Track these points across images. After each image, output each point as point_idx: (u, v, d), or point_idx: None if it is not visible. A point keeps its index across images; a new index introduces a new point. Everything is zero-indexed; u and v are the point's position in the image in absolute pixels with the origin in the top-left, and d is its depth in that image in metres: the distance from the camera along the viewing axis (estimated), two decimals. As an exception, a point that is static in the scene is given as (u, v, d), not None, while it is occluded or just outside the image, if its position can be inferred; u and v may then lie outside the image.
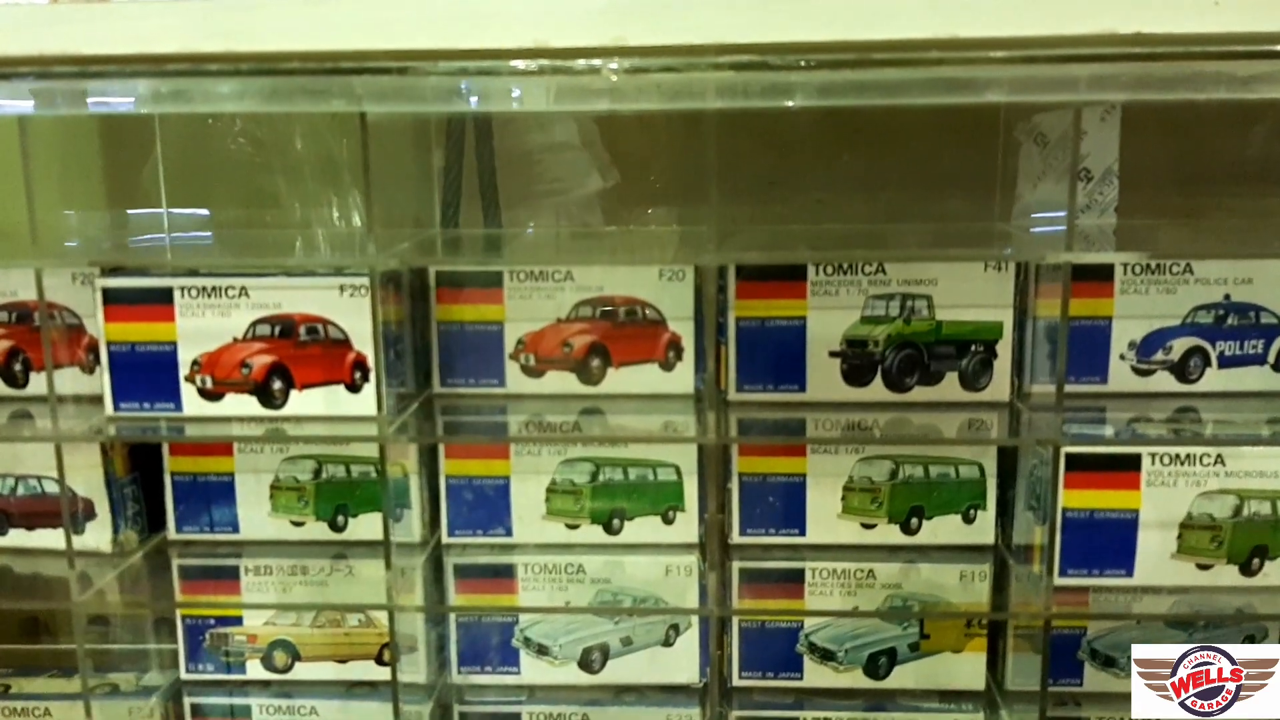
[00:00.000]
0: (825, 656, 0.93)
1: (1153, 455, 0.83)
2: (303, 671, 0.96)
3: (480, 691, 0.96)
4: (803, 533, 0.92)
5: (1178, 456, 0.83)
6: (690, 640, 0.94)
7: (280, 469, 0.93)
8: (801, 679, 0.93)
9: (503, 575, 0.93)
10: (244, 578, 0.94)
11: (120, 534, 0.94)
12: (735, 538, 0.92)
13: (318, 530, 0.94)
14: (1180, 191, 0.96)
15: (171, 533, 0.95)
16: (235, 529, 0.95)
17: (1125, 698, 0.90)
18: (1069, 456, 0.83)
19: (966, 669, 0.93)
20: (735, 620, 0.93)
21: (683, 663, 0.94)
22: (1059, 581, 0.85)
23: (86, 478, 0.92)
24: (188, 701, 0.97)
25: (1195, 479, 0.84)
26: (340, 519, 0.94)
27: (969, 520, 0.91)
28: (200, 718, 0.97)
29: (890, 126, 0.98)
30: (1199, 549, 0.84)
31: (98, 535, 0.93)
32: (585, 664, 0.94)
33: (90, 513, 0.93)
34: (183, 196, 1.06)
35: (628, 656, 0.94)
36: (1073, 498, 0.84)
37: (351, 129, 1.02)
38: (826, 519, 0.91)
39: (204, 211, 1.06)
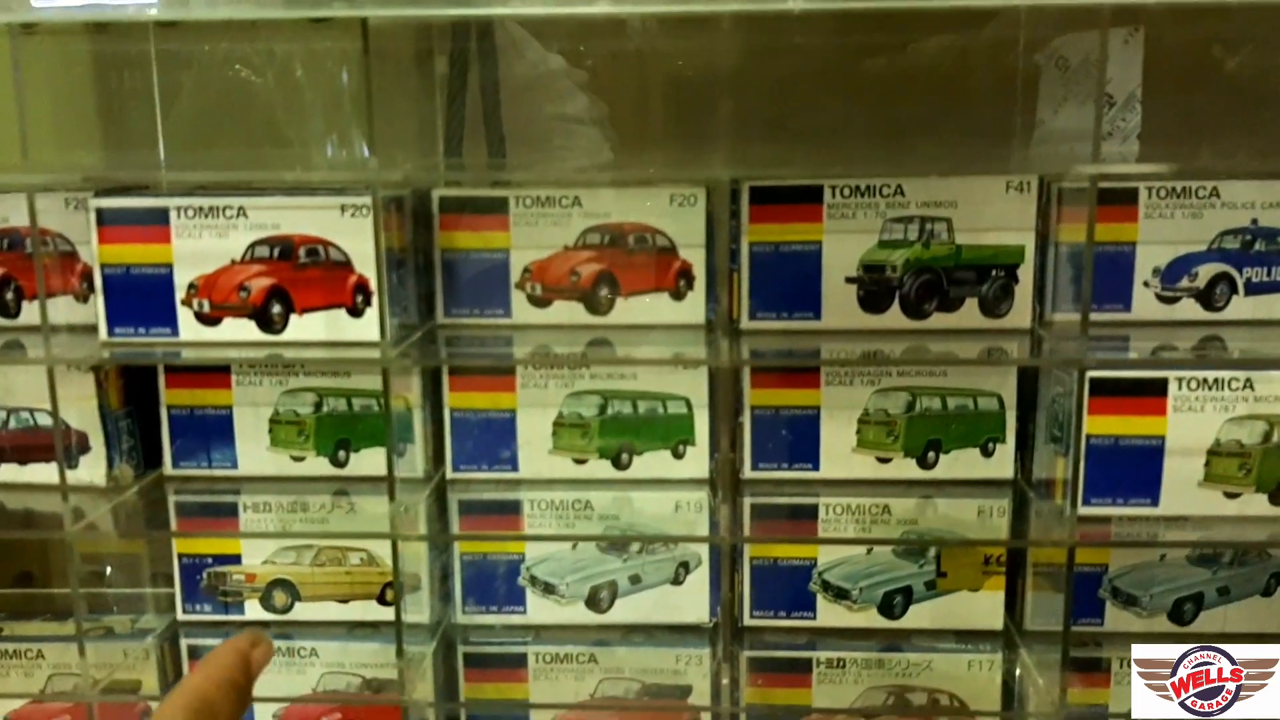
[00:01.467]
0: (839, 595, 0.90)
1: (1179, 380, 0.81)
2: (303, 612, 0.94)
3: (485, 631, 0.93)
4: (816, 467, 0.89)
5: (1205, 381, 0.81)
6: (700, 578, 0.92)
7: (280, 402, 0.91)
8: (814, 618, 0.91)
9: (508, 511, 0.91)
10: (242, 515, 0.92)
11: (115, 468, 0.92)
12: (747, 473, 0.90)
13: (318, 465, 0.92)
14: (1203, 120, 0.93)
15: (168, 468, 0.93)
16: (234, 464, 0.92)
17: (1147, 638, 0.88)
18: (1093, 381, 0.80)
19: (984, 608, 0.90)
20: (746, 558, 0.90)
21: (692, 602, 0.92)
22: (1082, 511, 0.82)
23: (80, 409, 0.90)
24: (184, 643, 0.94)
25: (1223, 404, 0.81)
26: (341, 454, 0.92)
27: (987, 454, 0.88)
28: (197, 660, 0.95)
29: (905, 56, 0.95)
30: (1227, 477, 0.82)
31: (91, 469, 0.91)
32: (593, 603, 0.92)
33: (84, 446, 0.91)
34: (180, 141, 1.03)
35: (636, 595, 0.92)
36: (1097, 424, 0.81)
37: (353, 60, 1.00)
38: (841, 453, 0.89)
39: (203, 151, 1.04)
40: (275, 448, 0.92)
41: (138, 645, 0.94)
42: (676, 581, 0.92)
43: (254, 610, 0.94)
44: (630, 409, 0.90)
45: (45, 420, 0.90)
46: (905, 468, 0.89)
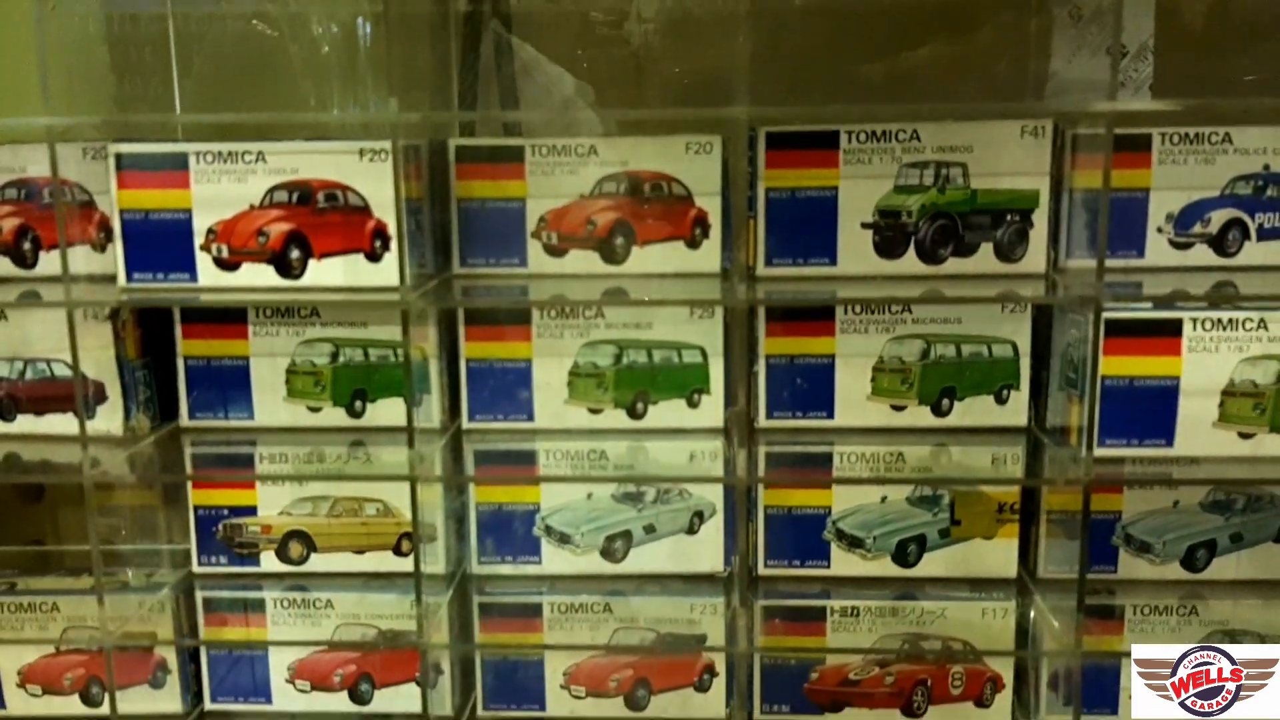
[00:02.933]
0: (853, 544, 0.91)
1: (1194, 320, 0.81)
2: (318, 563, 0.94)
3: (501, 582, 0.94)
4: (831, 415, 0.90)
5: (1220, 321, 0.81)
6: (715, 528, 0.92)
7: (296, 352, 0.91)
8: (829, 567, 0.91)
9: (524, 461, 0.92)
10: (259, 465, 0.92)
11: (132, 418, 0.92)
12: (761, 421, 0.90)
13: (335, 416, 0.92)
14: (1215, 71, 0.94)
15: (184, 419, 0.93)
16: (250, 415, 0.92)
17: (1160, 585, 0.89)
18: (1109, 322, 0.81)
19: (998, 556, 0.91)
20: (761, 508, 0.91)
21: (707, 551, 0.92)
22: (1097, 453, 0.82)
23: (97, 359, 0.90)
24: (200, 595, 0.94)
25: (1237, 344, 0.82)
26: (358, 404, 0.92)
27: (1002, 401, 0.89)
28: (213, 612, 0.95)
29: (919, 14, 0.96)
30: (1241, 417, 0.82)
31: (108, 419, 0.91)
32: (608, 553, 0.92)
33: (101, 396, 0.91)
34: (196, 101, 1.03)
35: (651, 545, 0.92)
36: (1112, 365, 0.82)
37: (369, 15, 1.00)
38: (855, 401, 0.89)
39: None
40: (292, 399, 0.92)
41: (152, 598, 0.94)
42: (691, 531, 0.92)
43: (270, 562, 0.94)
44: (645, 358, 0.90)
45: (62, 371, 0.90)
46: (920, 415, 0.89)
